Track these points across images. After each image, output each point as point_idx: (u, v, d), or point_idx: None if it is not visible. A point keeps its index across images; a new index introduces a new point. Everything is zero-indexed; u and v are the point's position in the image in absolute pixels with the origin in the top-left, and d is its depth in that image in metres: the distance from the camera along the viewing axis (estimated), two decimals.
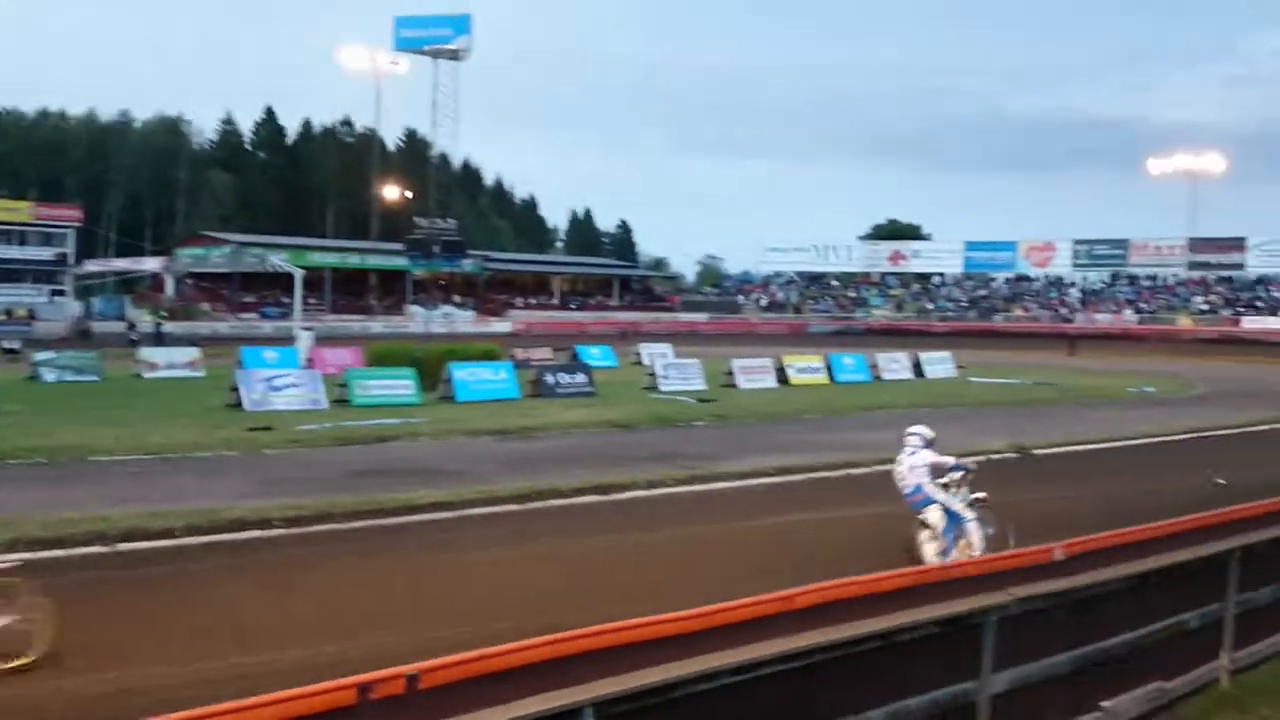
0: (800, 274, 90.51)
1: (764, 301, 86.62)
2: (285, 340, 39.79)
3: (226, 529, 10.81)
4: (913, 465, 9.73)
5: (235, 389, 22.81)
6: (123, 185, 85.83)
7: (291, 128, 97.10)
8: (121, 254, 74.47)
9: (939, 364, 38.28)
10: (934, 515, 9.54)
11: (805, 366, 33.99)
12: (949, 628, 5.43)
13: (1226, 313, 70.57)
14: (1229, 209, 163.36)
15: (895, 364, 36.99)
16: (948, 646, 5.46)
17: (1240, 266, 75.06)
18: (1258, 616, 7.55)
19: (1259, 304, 71.02)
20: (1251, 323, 67.20)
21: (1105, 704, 6.23)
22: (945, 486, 9.66)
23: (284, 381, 23.41)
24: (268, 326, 59.91)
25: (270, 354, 31.81)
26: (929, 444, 9.82)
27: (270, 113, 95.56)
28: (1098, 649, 6.24)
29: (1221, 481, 13.96)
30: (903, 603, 5.32)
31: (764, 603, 4.90)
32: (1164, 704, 6.68)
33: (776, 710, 4.78)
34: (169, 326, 52.68)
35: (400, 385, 24.56)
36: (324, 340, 43.68)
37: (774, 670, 4.69)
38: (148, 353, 33.83)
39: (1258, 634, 7.61)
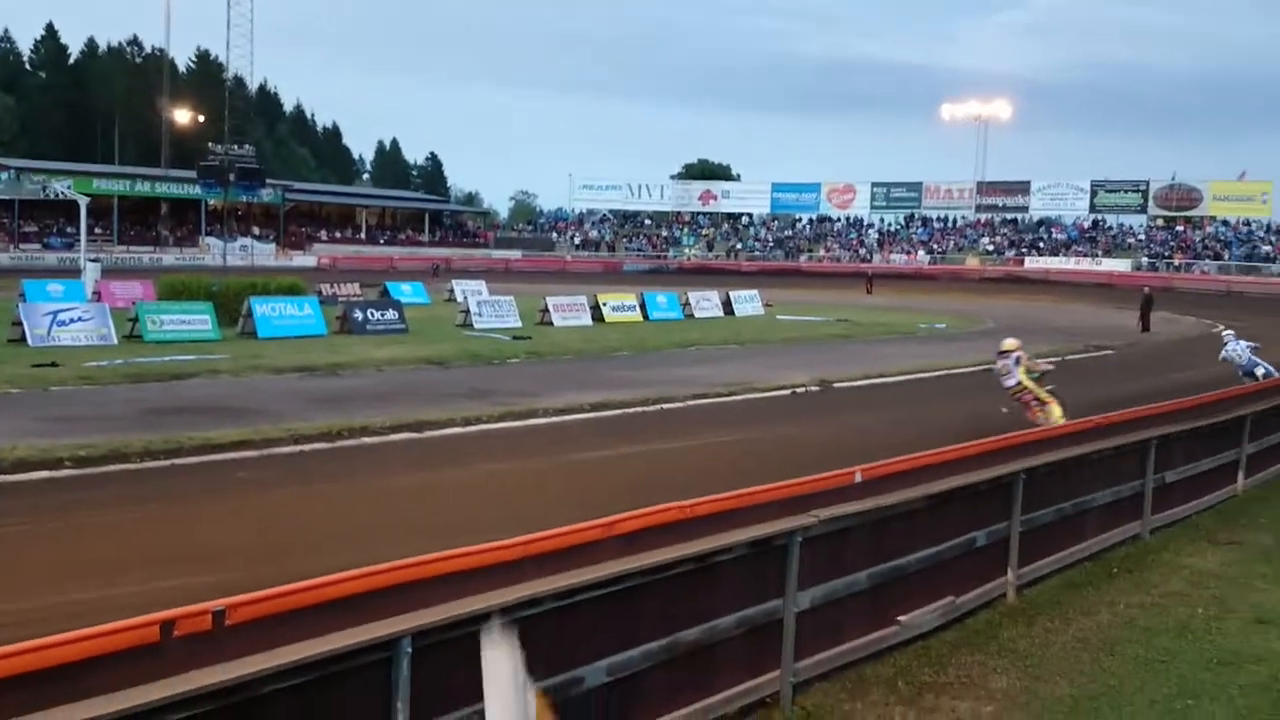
0: (614, 212, 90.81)
1: (578, 239, 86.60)
2: (71, 273, 37.41)
3: (11, 470, 10.11)
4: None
5: (18, 323, 21.35)
6: None
7: (75, 46, 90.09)
8: None
9: (748, 302, 39.32)
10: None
11: (620, 304, 34.29)
12: (759, 549, 5.63)
13: (1011, 253, 74.93)
14: (1016, 153, 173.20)
15: (706, 302, 37.78)
16: (758, 567, 5.68)
17: (1024, 209, 79.67)
18: (1040, 535, 8.14)
19: (1041, 245, 75.68)
20: (1034, 263, 71.61)
21: (902, 618, 6.61)
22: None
23: (70, 315, 22.00)
24: (51, 258, 56.27)
25: (55, 287, 29.87)
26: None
27: (51, 29, 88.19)
28: (894, 566, 6.61)
29: (1005, 410, 14.88)
30: (717, 526, 5.47)
31: (585, 529, 4.94)
32: (956, 617, 7.14)
33: (598, 632, 4.86)
34: None
35: (197, 320, 23.47)
36: (112, 272, 41.27)
37: (595, 595, 4.76)
38: None
39: (1040, 552, 8.21)
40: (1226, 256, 68.18)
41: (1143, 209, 75.36)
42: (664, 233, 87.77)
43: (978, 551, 7.41)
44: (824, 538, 5.96)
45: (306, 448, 12.09)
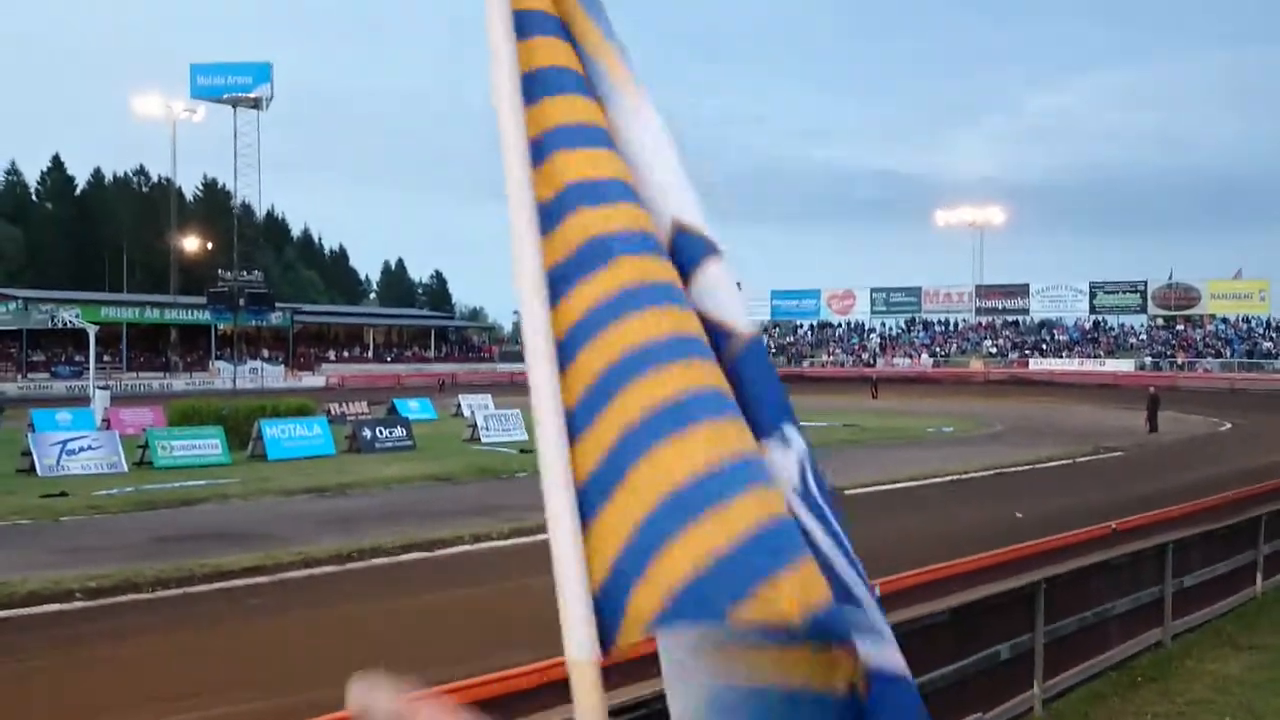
0: None
1: None
2: (80, 401, 37.62)
3: (22, 603, 10.07)
4: None
5: (27, 453, 21.43)
6: None
7: (81, 177, 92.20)
8: None
9: None
10: None
11: None
12: None
13: (1014, 355, 75.24)
14: (1014, 257, 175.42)
15: None
16: None
17: (1025, 311, 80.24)
18: (1064, 646, 8.03)
19: (1044, 347, 76.03)
20: (1038, 364, 71.85)
21: None
22: None
23: (79, 444, 22.07)
24: (60, 387, 56.54)
25: (64, 415, 29.95)
26: None
27: (58, 161, 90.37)
28: (918, 684, 6.51)
29: (1019, 514, 14.82)
30: None
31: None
32: None
33: None
34: None
35: (207, 445, 23.52)
36: (122, 399, 41.46)
37: None
38: None
39: (1065, 663, 8.09)
40: (1228, 354, 68.37)
41: (1142, 309, 75.88)
42: None
43: (1002, 665, 7.31)
44: None
45: (318, 571, 12.03)
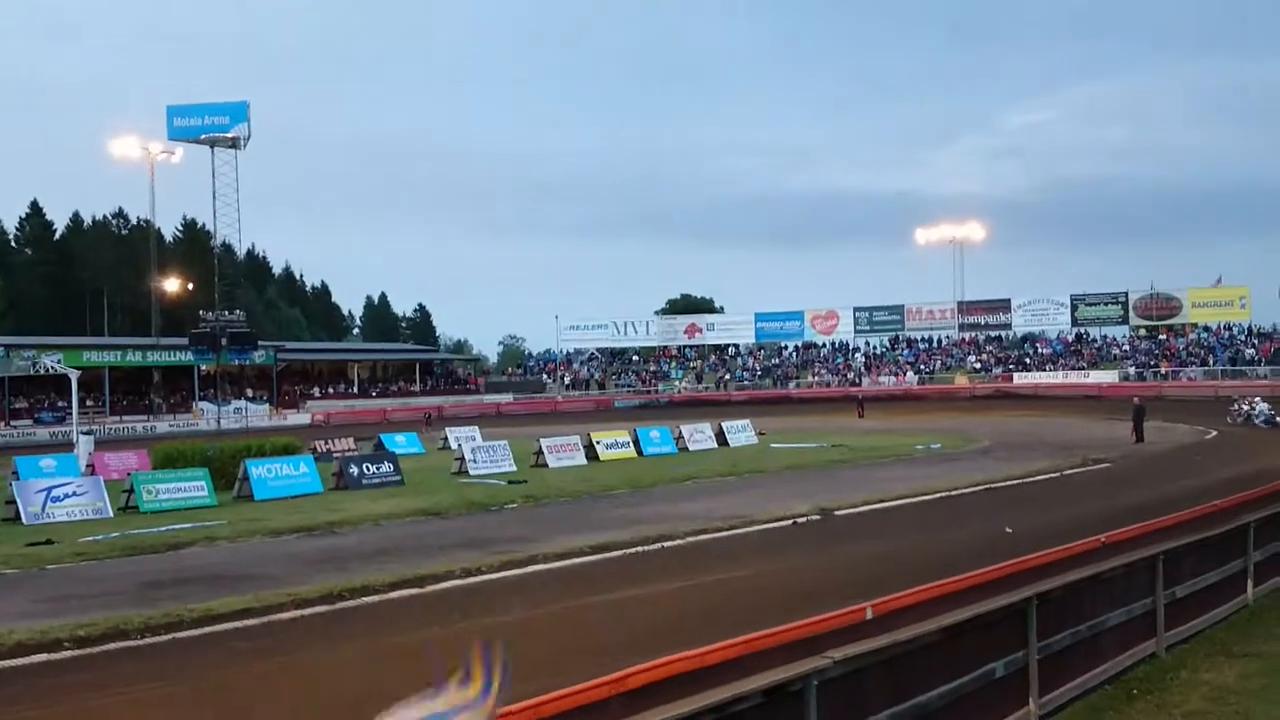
0: (601, 350, 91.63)
1: (567, 379, 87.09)
2: (64, 447, 37.39)
3: (9, 654, 9.94)
4: None
5: (11, 502, 21.23)
6: None
7: (60, 221, 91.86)
8: None
9: (741, 432, 39.37)
10: None
11: (613, 442, 34.32)
12: (774, 696, 5.54)
13: (999, 370, 75.50)
14: (995, 271, 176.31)
15: (700, 434, 37.82)
16: (775, 713, 5.57)
17: (1007, 326, 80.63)
18: (1058, 661, 8.02)
19: (1027, 360, 76.34)
20: (1022, 378, 72.11)
21: None
22: None
23: (64, 491, 21.88)
24: (44, 433, 56.16)
25: (48, 462, 29.75)
26: None
27: (36, 206, 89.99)
28: (914, 705, 6.49)
29: (1009, 530, 14.82)
30: (730, 674, 5.41)
31: (594, 688, 4.88)
32: None
33: None
34: None
35: (192, 487, 23.36)
36: (106, 444, 41.25)
37: None
38: None
39: (1060, 679, 8.07)
40: (1211, 361, 68.77)
41: (1124, 320, 76.34)
42: (652, 368, 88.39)
43: (998, 682, 7.28)
44: (840, 679, 5.88)
45: (308, 611, 11.92)
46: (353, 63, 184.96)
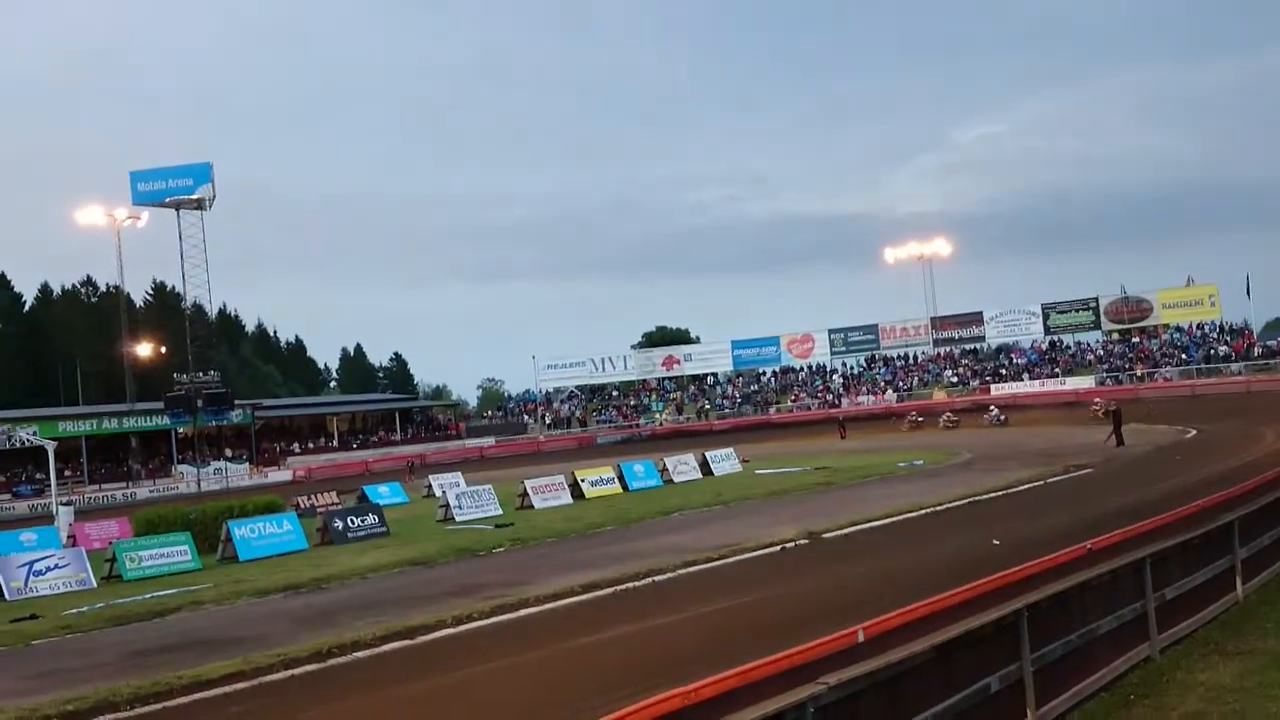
0: (580, 387, 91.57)
1: (548, 419, 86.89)
2: (44, 519, 36.94)
3: None
4: None
5: None
6: None
7: (29, 293, 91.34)
8: None
9: (724, 460, 39.36)
10: None
11: (598, 478, 34.21)
12: None
13: (976, 383, 75.85)
14: (966, 285, 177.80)
15: (684, 465, 37.77)
16: None
17: (981, 339, 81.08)
18: (1052, 671, 8.01)
19: (1003, 371, 76.74)
20: (999, 389, 72.47)
21: None
22: None
23: (46, 564, 21.55)
24: (22, 506, 55.46)
25: (28, 536, 29.28)
26: None
27: (3, 279, 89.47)
28: None
29: (996, 542, 14.85)
30: (727, 706, 5.38)
31: None
32: None
33: None
34: None
35: (175, 551, 23.09)
36: (86, 513, 40.79)
37: None
38: None
39: (1056, 689, 8.07)
40: (1186, 360, 69.35)
41: (1096, 325, 76.91)
42: (632, 402, 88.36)
43: (994, 697, 7.28)
44: (836, 705, 5.86)
45: (298, 671, 11.78)
46: (304, 117, 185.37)
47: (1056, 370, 73.92)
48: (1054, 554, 9.61)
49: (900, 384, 79.31)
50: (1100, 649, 8.88)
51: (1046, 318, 78.21)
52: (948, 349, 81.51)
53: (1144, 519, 11.85)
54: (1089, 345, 77.11)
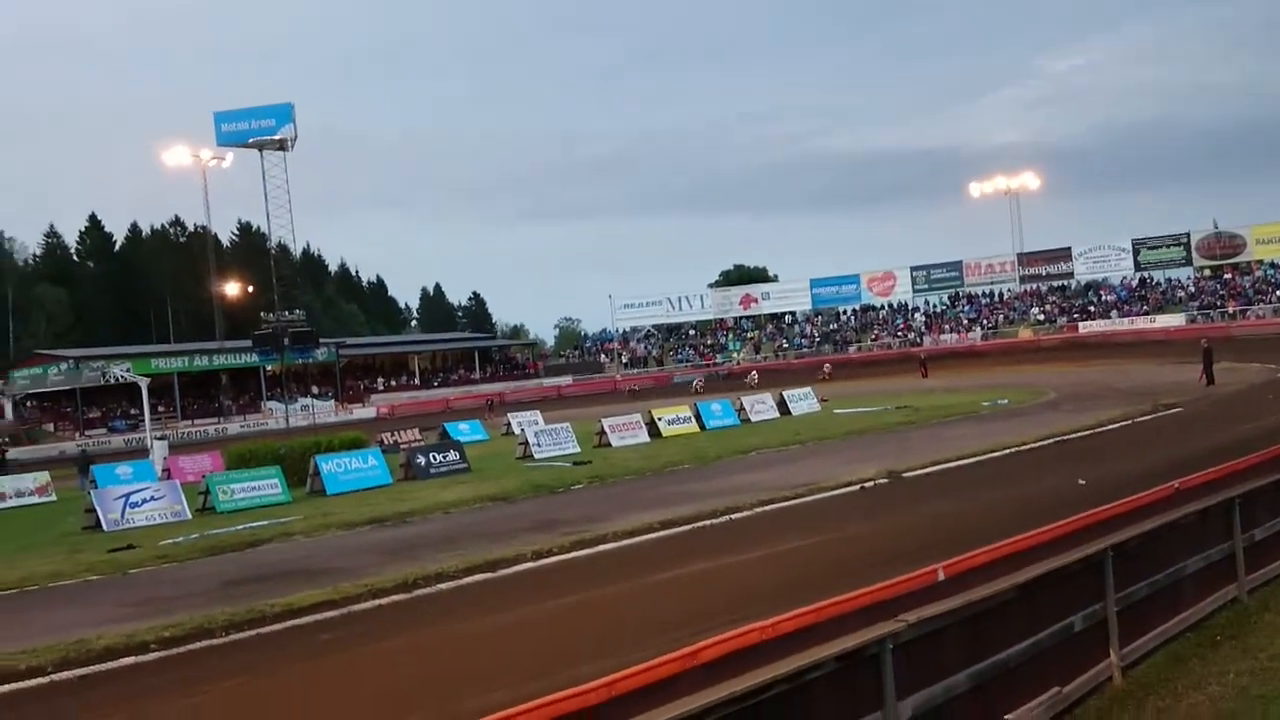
0: (657, 327, 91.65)
1: (626, 358, 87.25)
2: (139, 453, 38.26)
3: (99, 659, 10.24)
4: None
5: (91, 510, 21.74)
6: None
7: (119, 233, 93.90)
8: None
9: (802, 400, 39.19)
10: None
11: (675, 417, 34.32)
12: (849, 662, 5.52)
13: (1064, 320, 74.25)
14: (1052, 221, 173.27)
15: (762, 405, 37.71)
16: (851, 680, 5.56)
17: (1069, 275, 79.19)
18: (1138, 611, 7.90)
19: (1091, 309, 74.96)
20: (1088, 327, 70.86)
21: (1009, 716, 6.41)
22: None
23: (142, 496, 22.38)
24: (118, 440, 57.49)
25: (124, 469, 30.49)
26: None
27: (95, 220, 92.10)
28: (993, 664, 6.44)
29: (1082, 481, 14.60)
30: (803, 643, 5.40)
31: (668, 662, 4.91)
32: (1064, 708, 6.91)
33: None
34: (13, 453, 49.78)
35: (266, 485, 23.81)
36: (180, 448, 42.19)
37: None
38: None
39: (1140, 629, 7.96)
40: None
41: (1187, 261, 74.63)
42: (709, 341, 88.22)
43: (1077, 636, 7.20)
44: (916, 642, 5.84)
45: (385, 601, 12.12)
46: (380, 58, 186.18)
47: (1146, 308, 72.00)
48: (1140, 494, 9.42)
49: (985, 322, 77.96)
50: (1186, 589, 8.73)
51: (1136, 254, 76.05)
52: (1034, 286, 79.76)
53: (1233, 458, 11.55)
54: (1179, 282, 74.90)
